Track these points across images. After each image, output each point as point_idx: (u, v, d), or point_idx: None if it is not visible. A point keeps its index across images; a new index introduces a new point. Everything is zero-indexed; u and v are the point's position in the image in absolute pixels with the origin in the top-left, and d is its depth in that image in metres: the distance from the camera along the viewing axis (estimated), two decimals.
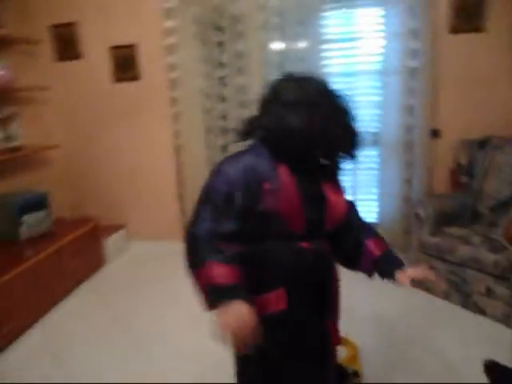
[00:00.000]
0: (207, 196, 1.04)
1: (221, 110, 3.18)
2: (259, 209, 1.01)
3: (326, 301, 1.18)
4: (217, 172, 1.05)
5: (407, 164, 2.97)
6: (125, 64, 3.25)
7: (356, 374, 1.81)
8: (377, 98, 2.98)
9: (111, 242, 3.40)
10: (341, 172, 1.21)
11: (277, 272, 1.07)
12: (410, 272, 1.11)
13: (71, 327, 2.46)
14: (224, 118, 3.19)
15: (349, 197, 1.26)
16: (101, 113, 3.44)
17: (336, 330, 1.25)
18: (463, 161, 2.79)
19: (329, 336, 1.21)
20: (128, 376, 1.98)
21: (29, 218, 2.75)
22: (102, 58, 3.29)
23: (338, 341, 1.28)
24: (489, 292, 2.23)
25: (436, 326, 2.25)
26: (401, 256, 1.20)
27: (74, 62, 3.35)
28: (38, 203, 2.83)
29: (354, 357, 1.91)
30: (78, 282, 2.94)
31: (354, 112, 1.08)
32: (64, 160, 3.55)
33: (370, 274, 1.22)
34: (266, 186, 1.02)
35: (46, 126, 3.41)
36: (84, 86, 3.41)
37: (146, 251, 3.49)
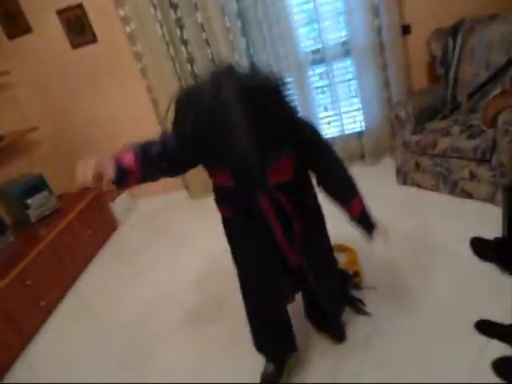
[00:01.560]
0: None
1: (186, 53, 3.10)
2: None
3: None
4: None
5: (383, 67, 2.94)
6: (78, 27, 3.13)
7: (356, 273, 2.02)
8: (339, 5, 2.86)
9: (118, 206, 3.55)
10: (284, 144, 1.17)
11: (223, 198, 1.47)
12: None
13: (99, 289, 2.72)
14: (191, 61, 3.12)
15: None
16: (69, 84, 3.38)
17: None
18: (437, 52, 2.75)
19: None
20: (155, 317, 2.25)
21: (33, 200, 2.90)
22: (54, 24, 3.16)
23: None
24: (472, 176, 2.35)
25: (427, 215, 2.41)
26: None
27: (27, 37, 3.23)
28: (37, 185, 2.96)
29: (353, 260, 2.11)
30: (97, 247, 3.16)
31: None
32: (49, 139, 3.59)
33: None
34: None
35: (20, 109, 3.40)
36: (43, 59, 3.31)
37: (153, 206, 3.66)
